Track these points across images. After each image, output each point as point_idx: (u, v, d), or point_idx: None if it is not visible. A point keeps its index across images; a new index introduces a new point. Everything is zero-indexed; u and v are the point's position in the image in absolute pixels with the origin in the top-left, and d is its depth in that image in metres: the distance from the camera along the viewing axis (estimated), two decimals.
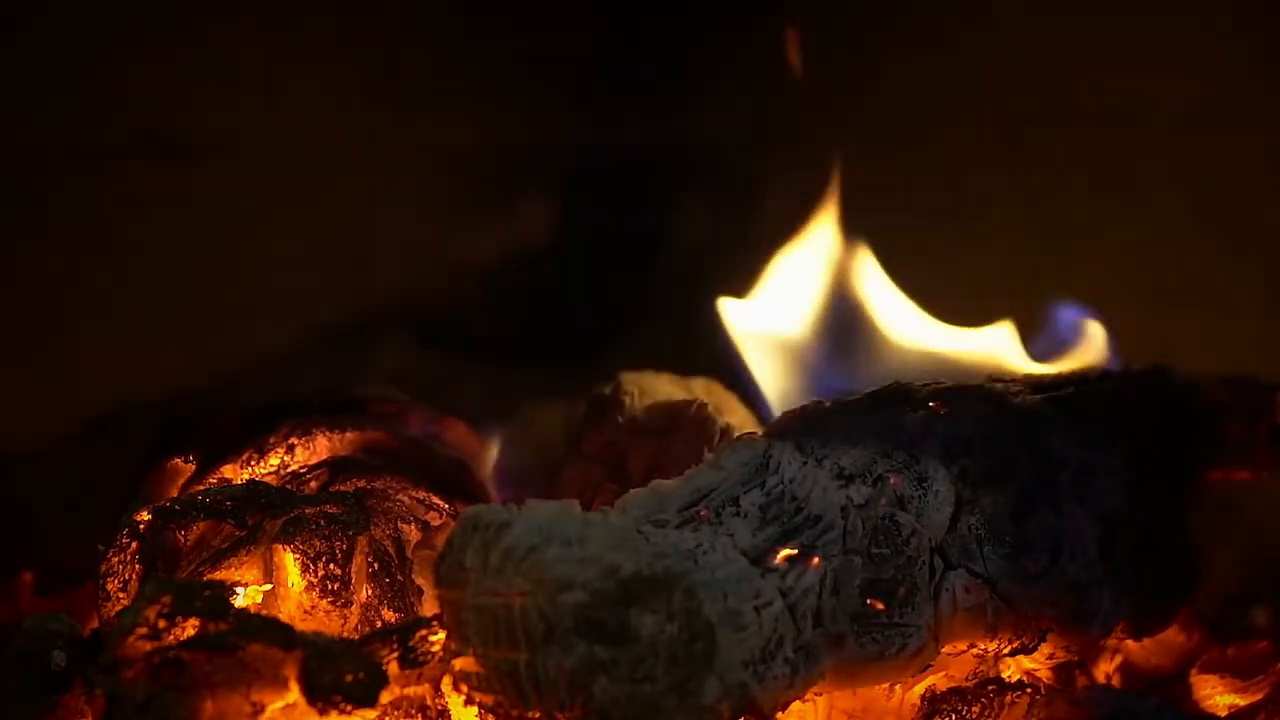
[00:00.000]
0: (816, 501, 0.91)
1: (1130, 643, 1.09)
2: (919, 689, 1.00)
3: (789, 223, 1.31)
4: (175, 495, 1.10)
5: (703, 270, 1.91)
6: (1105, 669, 1.12)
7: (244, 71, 1.61)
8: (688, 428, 1.10)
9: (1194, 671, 1.13)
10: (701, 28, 1.85)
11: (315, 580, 1.00)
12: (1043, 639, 0.98)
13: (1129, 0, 1.56)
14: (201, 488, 1.08)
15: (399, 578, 1.03)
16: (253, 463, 1.10)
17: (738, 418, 1.20)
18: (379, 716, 0.88)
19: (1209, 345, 1.51)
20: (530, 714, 0.84)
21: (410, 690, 0.92)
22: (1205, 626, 1.16)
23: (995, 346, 1.20)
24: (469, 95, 1.79)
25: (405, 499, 1.08)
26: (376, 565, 1.02)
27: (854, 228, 1.29)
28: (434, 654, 0.89)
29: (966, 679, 1.01)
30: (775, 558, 0.88)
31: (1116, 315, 1.60)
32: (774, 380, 1.20)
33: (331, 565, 1.00)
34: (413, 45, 1.75)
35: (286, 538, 1.00)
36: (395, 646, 0.88)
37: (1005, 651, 0.98)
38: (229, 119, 1.61)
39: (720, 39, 1.85)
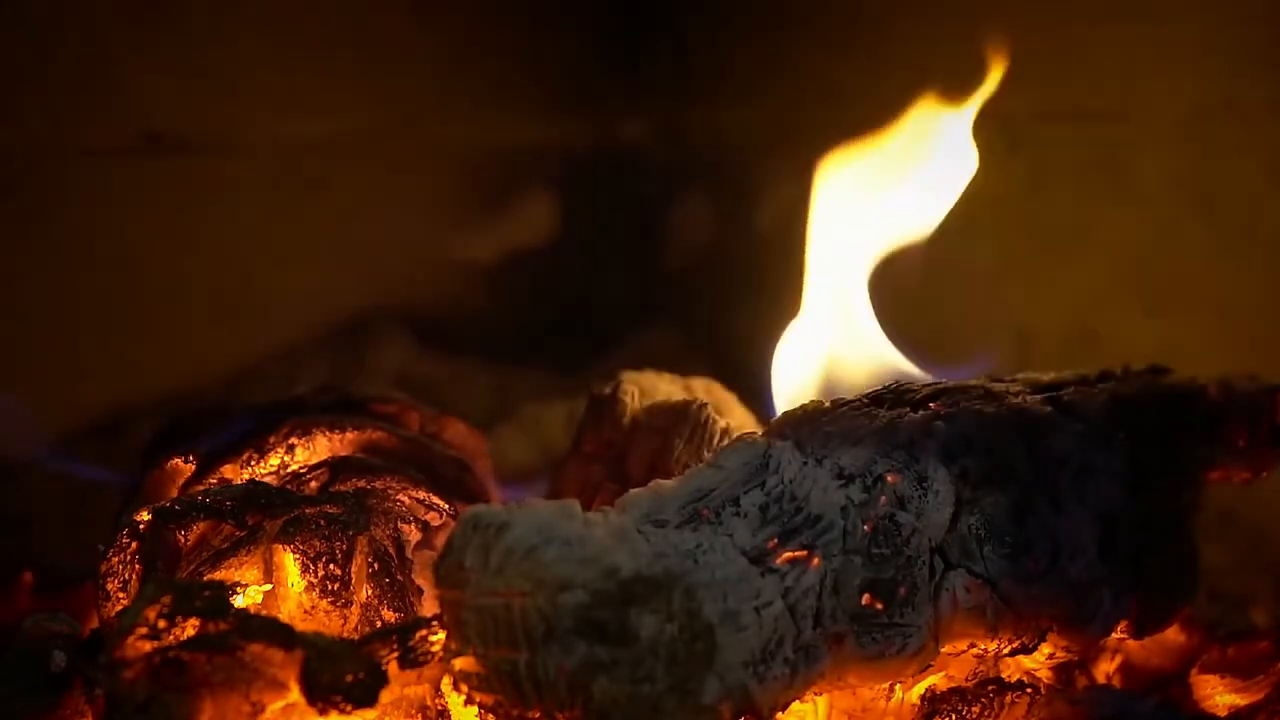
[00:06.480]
0: (816, 501, 0.91)
1: (1130, 643, 1.09)
2: (919, 689, 1.00)
3: (789, 223, 1.31)
4: (175, 495, 1.10)
5: (703, 270, 1.92)
6: (1105, 669, 1.12)
7: (244, 71, 1.61)
8: (688, 428, 1.10)
9: (1194, 671, 1.12)
10: (702, 29, 1.85)
11: (315, 580, 1.00)
12: (1043, 639, 0.98)
13: (1129, 0, 1.55)
14: (201, 488, 1.08)
15: (399, 578, 1.03)
16: (253, 463, 1.10)
17: (737, 418, 1.20)
18: (379, 716, 0.88)
19: (1209, 345, 1.51)
20: (530, 714, 0.84)
21: (410, 690, 0.92)
22: (1205, 626, 1.16)
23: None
24: (470, 95, 1.80)
25: (405, 499, 1.07)
26: (376, 565, 1.02)
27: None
28: (434, 654, 0.89)
29: (966, 679, 1.01)
30: (775, 558, 0.88)
31: (1116, 315, 1.60)
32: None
33: (331, 565, 1.00)
34: (414, 45, 1.75)
35: (286, 538, 1.00)
36: (395, 646, 0.88)
37: (1005, 651, 0.98)
38: (229, 119, 1.62)
39: (721, 39, 1.85)
